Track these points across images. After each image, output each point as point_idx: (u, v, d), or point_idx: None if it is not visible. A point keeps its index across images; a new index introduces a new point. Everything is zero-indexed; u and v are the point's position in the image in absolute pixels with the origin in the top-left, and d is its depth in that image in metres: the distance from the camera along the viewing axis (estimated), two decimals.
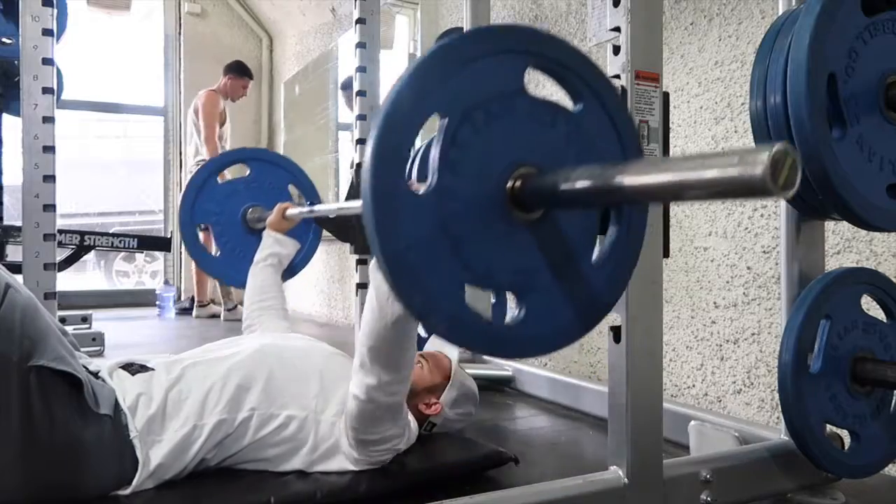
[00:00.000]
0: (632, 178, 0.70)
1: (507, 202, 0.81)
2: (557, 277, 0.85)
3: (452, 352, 1.61)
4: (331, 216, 2.07)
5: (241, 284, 1.98)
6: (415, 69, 0.76)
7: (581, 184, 0.75)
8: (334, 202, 4.97)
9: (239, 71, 4.85)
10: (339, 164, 4.98)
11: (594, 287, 0.89)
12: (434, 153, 0.77)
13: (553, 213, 0.85)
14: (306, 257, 2.20)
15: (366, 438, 1.30)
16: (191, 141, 4.77)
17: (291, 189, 2.34)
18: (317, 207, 2.02)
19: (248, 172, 2.34)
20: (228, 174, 2.48)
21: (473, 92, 0.79)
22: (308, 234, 2.18)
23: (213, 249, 2.31)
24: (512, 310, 0.84)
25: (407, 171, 0.76)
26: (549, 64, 0.86)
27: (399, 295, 0.76)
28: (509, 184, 0.81)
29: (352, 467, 1.32)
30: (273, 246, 1.96)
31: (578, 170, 0.77)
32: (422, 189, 0.76)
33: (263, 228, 2.05)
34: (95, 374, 1.27)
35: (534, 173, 0.81)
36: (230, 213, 2.26)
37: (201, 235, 2.43)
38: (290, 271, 2.07)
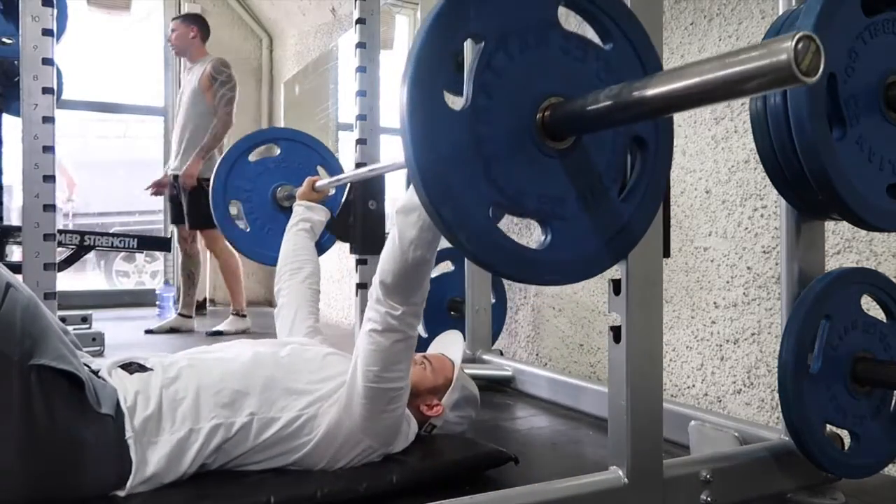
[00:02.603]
0: (655, 89, 0.70)
1: (538, 130, 0.82)
2: (583, 207, 0.86)
3: (456, 354, 1.61)
4: (339, 203, 2.11)
5: (269, 261, 2.01)
6: None
7: (606, 102, 0.76)
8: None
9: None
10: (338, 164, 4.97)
11: (621, 218, 0.89)
12: (470, 73, 0.78)
13: (582, 143, 0.85)
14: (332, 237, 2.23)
15: (381, 383, 1.30)
16: None
17: (320, 170, 2.38)
18: (344, 175, 2.07)
19: (277, 152, 2.39)
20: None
21: (510, 19, 0.80)
22: (336, 206, 2.18)
23: (243, 225, 2.34)
24: (538, 235, 0.84)
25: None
26: (581, 2, 0.88)
27: (429, 206, 0.75)
28: (539, 114, 0.82)
29: (358, 435, 1.33)
30: (304, 213, 2.01)
31: (603, 91, 0.78)
32: (458, 106, 0.75)
33: (292, 206, 2.08)
34: (96, 373, 1.27)
35: (563, 103, 0.82)
36: (261, 191, 2.32)
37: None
38: (319, 248, 2.09)
